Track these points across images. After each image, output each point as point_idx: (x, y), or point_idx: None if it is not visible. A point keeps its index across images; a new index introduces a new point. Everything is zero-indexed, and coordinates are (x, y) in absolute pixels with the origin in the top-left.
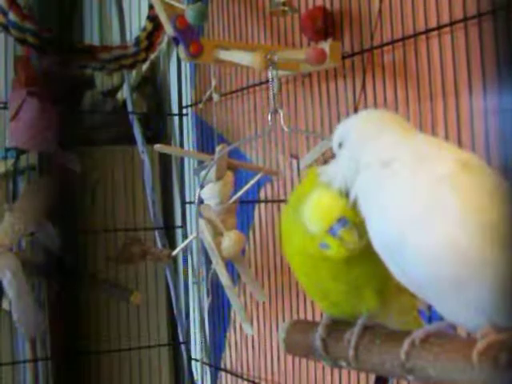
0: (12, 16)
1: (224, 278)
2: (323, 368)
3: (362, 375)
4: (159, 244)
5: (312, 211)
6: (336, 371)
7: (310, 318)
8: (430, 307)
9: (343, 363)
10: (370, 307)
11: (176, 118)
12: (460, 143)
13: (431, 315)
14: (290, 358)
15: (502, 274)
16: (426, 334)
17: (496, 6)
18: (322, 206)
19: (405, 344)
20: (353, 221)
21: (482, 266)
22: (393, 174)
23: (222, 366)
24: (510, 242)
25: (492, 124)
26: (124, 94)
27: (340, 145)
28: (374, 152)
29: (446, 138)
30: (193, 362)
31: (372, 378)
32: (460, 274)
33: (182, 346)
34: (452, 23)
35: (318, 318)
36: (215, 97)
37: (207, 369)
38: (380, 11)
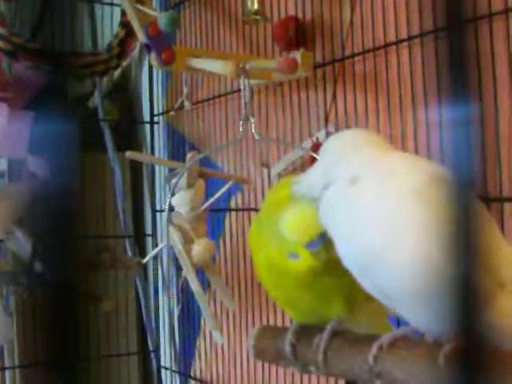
0: None
1: (194, 286)
2: (293, 376)
3: (331, 381)
4: (129, 252)
5: (295, 222)
6: (305, 379)
7: (279, 326)
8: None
9: (312, 368)
10: (338, 314)
11: (147, 126)
12: (429, 154)
13: (400, 320)
14: (259, 366)
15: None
16: (393, 339)
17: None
18: (306, 219)
19: (373, 348)
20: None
21: (453, 277)
22: (359, 191)
23: (192, 375)
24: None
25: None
26: (95, 100)
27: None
28: (344, 168)
29: (416, 148)
30: (162, 371)
31: (341, 382)
32: (430, 287)
33: (152, 354)
34: (422, 34)
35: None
36: (187, 105)
37: (177, 377)
38: (351, 22)
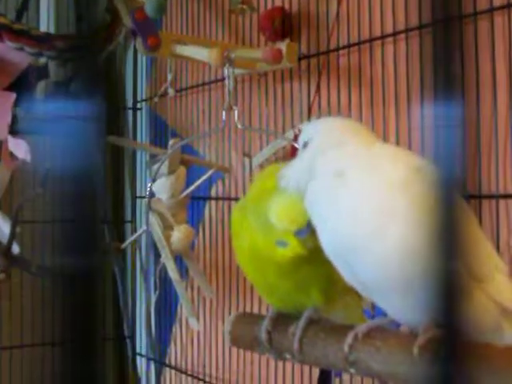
0: None
1: (172, 272)
2: (268, 364)
3: (306, 370)
4: (108, 237)
5: (284, 210)
6: (280, 367)
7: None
8: (373, 306)
9: (288, 356)
10: (315, 303)
11: (130, 112)
12: (410, 149)
13: (375, 314)
14: (235, 354)
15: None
16: (369, 329)
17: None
18: (295, 207)
19: (348, 337)
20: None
21: (431, 269)
22: (345, 184)
23: (167, 362)
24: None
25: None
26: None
27: (305, 144)
28: (329, 161)
29: (397, 143)
30: (137, 357)
31: (316, 371)
32: (410, 277)
33: (127, 341)
34: (407, 30)
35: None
36: (170, 92)
37: (152, 364)
38: (338, 15)
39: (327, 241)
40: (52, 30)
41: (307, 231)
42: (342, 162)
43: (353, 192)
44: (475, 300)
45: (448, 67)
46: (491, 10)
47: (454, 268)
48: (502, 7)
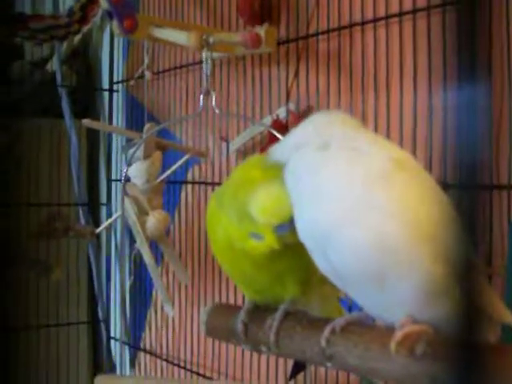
0: None
1: (147, 258)
2: (243, 350)
3: (281, 359)
4: (83, 220)
5: (267, 203)
6: (255, 355)
7: (232, 301)
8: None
9: (264, 348)
10: (292, 295)
11: (106, 94)
12: (388, 136)
13: (352, 305)
14: (209, 340)
15: (426, 272)
16: (346, 322)
17: (431, 1)
18: (279, 202)
19: (325, 331)
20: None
21: (408, 264)
22: (328, 159)
23: (141, 346)
24: (437, 240)
25: (421, 118)
26: (53, 65)
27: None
28: (315, 135)
29: (376, 130)
30: (112, 341)
31: (290, 361)
32: (385, 270)
33: (102, 325)
34: (388, 17)
35: (240, 302)
36: (147, 74)
37: (126, 348)
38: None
39: (302, 221)
40: (28, 11)
41: (289, 227)
42: (329, 138)
43: (333, 175)
44: (455, 297)
45: (473, 49)
46: None
47: (429, 263)
48: None
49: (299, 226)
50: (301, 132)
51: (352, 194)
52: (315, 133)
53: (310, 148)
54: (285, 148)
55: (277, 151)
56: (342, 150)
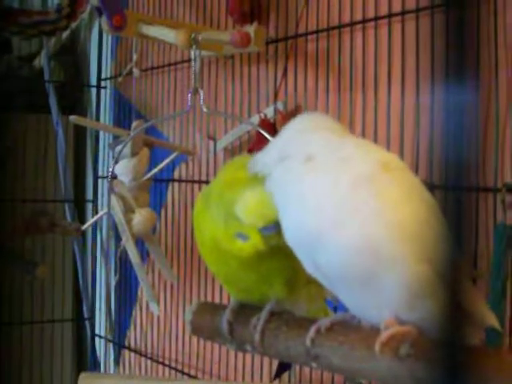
0: None
1: (133, 256)
2: (227, 350)
3: (266, 358)
4: (68, 217)
5: (253, 204)
6: (240, 354)
7: (217, 300)
8: (336, 298)
9: (249, 348)
10: (278, 295)
11: (94, 90)
12: (376, 136)
13: (337, 305)
14: (194, 338)
15: (412, 274)
16: (331, 323)
17: (419, 3)
18: (265, 202)
19: (311, 331)
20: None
21: (392, 264)
22: (313, 169)
23: (126, 344)
24: (424, 241)
25: (408, 119)
26: (41, 61)
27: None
28: (299, 147)
29: (363, 131)
30: (96, 339)
31: (275, 360)
32: (371, 271)
33: (86, 322)
34: (376, 18)
35: (226, 301)
36: (135, 72)
37: (110, 346)
38: (307, 0)
39: (289, 226)
40: (16, 5)
41: (274, 229)
42: (313, 148)
43: (319, 181)
44: (439, 296)
45: (461, 50)
46: None
47: (415, 264)
48: None
49: (285, 227)
50: (283, 142)
51: (337, 196)
52: (298, 143)
53: (295, 161)
54: (268, 159)
55: (259, 162)
56: (327, 161)
